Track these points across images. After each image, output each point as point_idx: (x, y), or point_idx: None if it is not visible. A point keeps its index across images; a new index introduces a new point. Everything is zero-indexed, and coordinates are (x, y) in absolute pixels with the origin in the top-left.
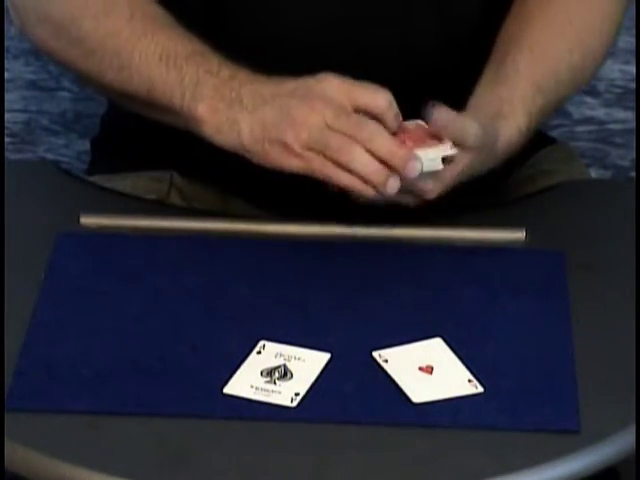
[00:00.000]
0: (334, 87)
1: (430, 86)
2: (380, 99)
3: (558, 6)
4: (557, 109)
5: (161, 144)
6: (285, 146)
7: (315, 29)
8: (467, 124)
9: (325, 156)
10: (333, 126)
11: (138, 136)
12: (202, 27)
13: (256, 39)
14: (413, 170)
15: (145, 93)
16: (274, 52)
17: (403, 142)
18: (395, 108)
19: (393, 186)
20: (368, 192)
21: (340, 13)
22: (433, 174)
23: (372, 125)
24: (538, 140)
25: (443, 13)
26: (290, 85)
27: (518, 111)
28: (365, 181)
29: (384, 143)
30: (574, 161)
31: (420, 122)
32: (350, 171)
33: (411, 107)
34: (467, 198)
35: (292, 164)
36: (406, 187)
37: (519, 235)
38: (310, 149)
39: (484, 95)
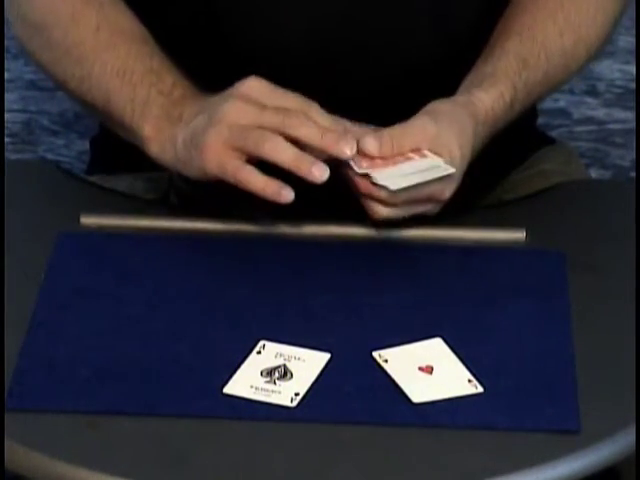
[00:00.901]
0: (256, 87)
1: (428, 86)
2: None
3: None
4: (548, 92)
5: None
6: (206, 148)
7: (312, 30)
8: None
9: (245, 152)
10: (254, 122)
11: None
12: (200, 36)
13: (254, 42)
14: (345, 151)
15: (102, 106)
16: (271, 53)
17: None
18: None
19: (320, 173)
20: (280, 197)
21: (337, 15)
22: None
23: (295, 115)
24: (537, 140)
25: (440, 15)
26: (223, 93)
27: (501, 82)
28: (289, 173)
29: (309, 128)
30: (573, 161)
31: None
32: (272, 164)
33: (408, 107)
34: (466, 197)
35: (210, 168)
36: (422, 196)
37: (519, 235)
38: (232, 148)
39: (468, 75)
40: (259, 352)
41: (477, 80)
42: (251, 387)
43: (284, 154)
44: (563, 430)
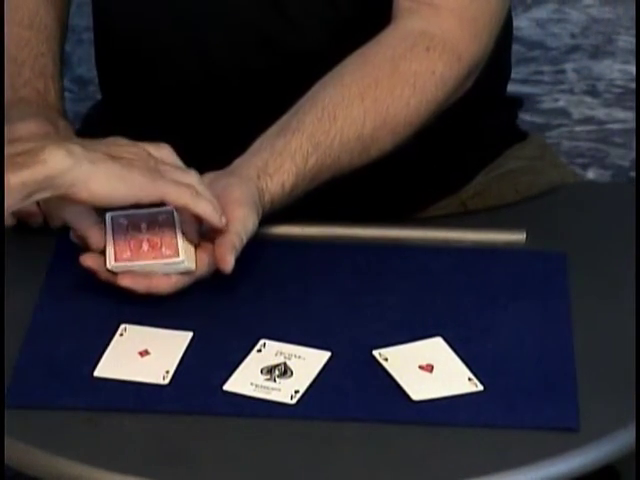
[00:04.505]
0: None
1: (316, 70)
2: None
3: (371, 69)
4: (341, 173)
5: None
6: None
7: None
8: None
9: None
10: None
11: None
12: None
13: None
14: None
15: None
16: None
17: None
18: None
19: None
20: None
21: None
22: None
23: None
24: (508, 138)
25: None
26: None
27: (285, 169)
28: None
29: None
30: (547, 155)
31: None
32: None
33: (293, 93)
34: (420, 204)
35: None
36: None
37: (520, 236)
38: None
39: (260, 145)
40: (259, 350)
41: (265, 154)
42: (251, 384)
43: None
44: (562, 428)
